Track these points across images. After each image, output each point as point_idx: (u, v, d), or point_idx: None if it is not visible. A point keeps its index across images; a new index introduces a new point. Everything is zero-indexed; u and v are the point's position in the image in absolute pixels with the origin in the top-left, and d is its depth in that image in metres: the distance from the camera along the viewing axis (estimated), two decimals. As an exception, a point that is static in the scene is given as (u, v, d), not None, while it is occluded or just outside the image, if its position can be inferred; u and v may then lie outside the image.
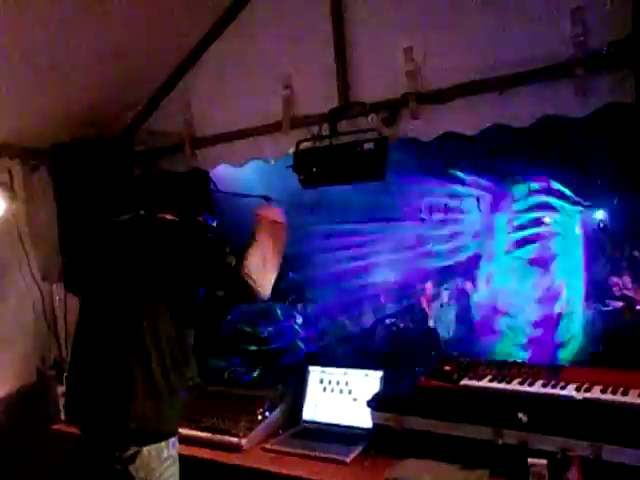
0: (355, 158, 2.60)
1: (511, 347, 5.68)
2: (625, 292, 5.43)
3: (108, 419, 1.92)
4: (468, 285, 6.22)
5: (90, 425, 2.00)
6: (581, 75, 2.16)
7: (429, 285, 5.99)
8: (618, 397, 1.89)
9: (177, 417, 2.01)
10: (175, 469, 2.01)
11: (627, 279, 5.50)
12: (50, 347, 3.23)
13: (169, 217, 2.13)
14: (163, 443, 1.93)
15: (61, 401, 2.90)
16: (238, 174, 3.24)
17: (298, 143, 2.78)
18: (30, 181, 3.17)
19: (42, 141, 3.07)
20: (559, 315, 5.70)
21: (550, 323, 5.69)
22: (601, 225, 5.89)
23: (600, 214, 5.95)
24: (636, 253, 5.73)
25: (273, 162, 3.06)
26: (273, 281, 2.02)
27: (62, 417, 2.88)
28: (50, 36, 2.53)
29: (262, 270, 1.96)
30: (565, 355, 5.35)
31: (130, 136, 3.38)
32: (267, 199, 2.59)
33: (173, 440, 1.99)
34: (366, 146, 2.57)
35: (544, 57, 2.24)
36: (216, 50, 3.18)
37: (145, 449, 1.89)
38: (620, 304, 5.34)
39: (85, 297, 2.14)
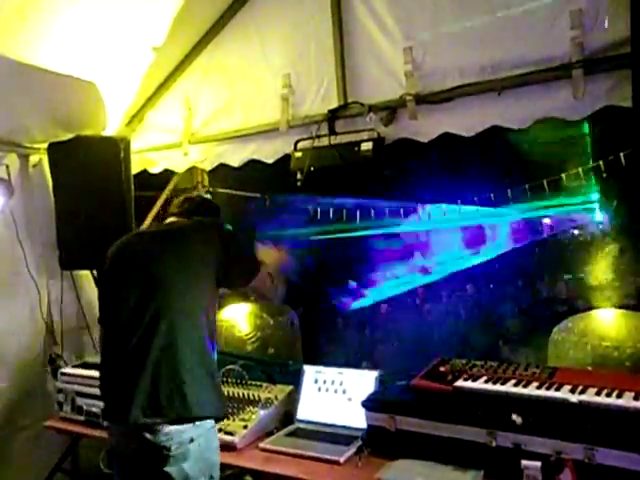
0: (353, 158, 2.60)
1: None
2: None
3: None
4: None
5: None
6: (579, 77, 2.16)
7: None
8: (613, 400, 1.88)
9: None
10: None
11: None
12: (46, 343, 3.22)
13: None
14: None
15: (56, 397, 2.89)
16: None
17: (296, 143, 2.78)
18: (28, 177, 3.18)
19: (40, 137, 3.07)
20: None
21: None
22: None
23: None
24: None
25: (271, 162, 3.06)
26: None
27: (57, 413, 2.88)
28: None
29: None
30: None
31: (128, 134, 3.37)
32: (264, 198, 2.60)
33: None
34: (364, 146, 2.57)
35: (542, 59, 2.25)
36: (215, 48, 3.18)
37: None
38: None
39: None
